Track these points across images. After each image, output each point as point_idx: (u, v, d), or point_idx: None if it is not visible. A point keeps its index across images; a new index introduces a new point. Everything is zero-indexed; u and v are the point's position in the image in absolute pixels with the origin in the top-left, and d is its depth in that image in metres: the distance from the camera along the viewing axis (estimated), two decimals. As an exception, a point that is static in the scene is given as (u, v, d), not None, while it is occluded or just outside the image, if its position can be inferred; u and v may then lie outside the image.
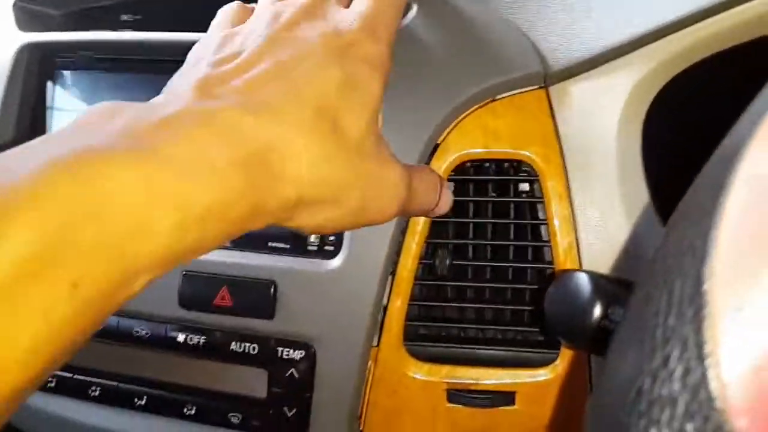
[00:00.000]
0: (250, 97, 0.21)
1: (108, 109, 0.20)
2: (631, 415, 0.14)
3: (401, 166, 0.26)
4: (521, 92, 0.39)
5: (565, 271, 0.34)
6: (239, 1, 0.30)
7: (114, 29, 0.49)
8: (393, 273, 0.41)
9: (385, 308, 0.41)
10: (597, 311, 0.28)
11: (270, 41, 0.24)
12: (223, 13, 0.29)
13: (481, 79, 0.38)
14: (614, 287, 0.29)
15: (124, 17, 0.49)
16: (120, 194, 0.17)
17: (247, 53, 0.23)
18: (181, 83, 0.23)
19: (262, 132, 0.20)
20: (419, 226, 0.39)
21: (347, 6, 0.27)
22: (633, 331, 0.16)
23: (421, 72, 0.39)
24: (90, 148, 0.17)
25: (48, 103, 0.47)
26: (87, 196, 0.16)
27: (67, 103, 0.48)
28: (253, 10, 0.28)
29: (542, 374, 0.39)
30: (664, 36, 0.34)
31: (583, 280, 0.30)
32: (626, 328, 0.16)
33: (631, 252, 0.35)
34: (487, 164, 0.40)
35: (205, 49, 0.25)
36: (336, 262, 0.39)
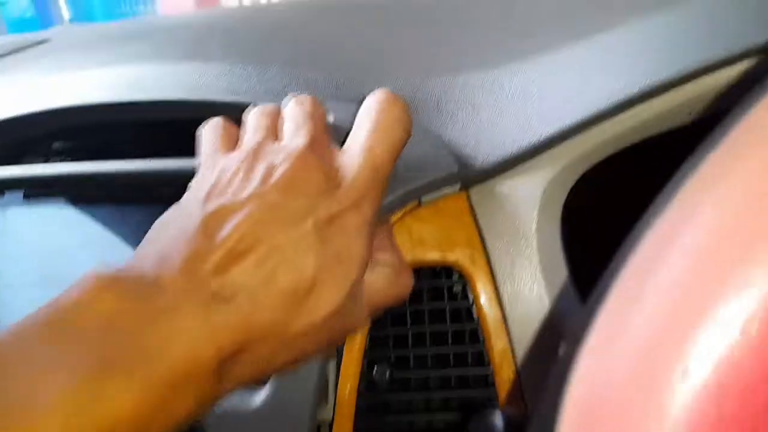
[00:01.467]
0: (233, 285, 0.23)
1: (97, 288, 0.21)
2: None
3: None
4: (443, 196, 0.39)
5: (481, 410, 0.34)
6: (223, 122, 0.32)
7: (47, 159, 0.50)
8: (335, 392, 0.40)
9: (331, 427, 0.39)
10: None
11: (260, 216, 0.24)
12: (212, 137, 0.30)
13: (398, 184, 0.38)
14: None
15: (57, 145, 0.50)
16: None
17: (236, 232, 0.24)
18: (174, 249, 0.24)
19: (239, 324, 0.23)
20: (356, 344, 0.39)
21: (337, 163, 0.28)
22: None
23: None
24: (86, 370, 0.19)
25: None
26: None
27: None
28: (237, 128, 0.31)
29: (498, 482, 0.38)
30: (566, 139, 0.35)
31: (497, 420, 0.29)
32: None
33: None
34: (419, 271, 0.40)
35: (197, 201, 0.26)
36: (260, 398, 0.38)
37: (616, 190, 0.44)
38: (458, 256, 0.38)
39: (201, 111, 0.44)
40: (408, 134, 0.29)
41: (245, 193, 0.25)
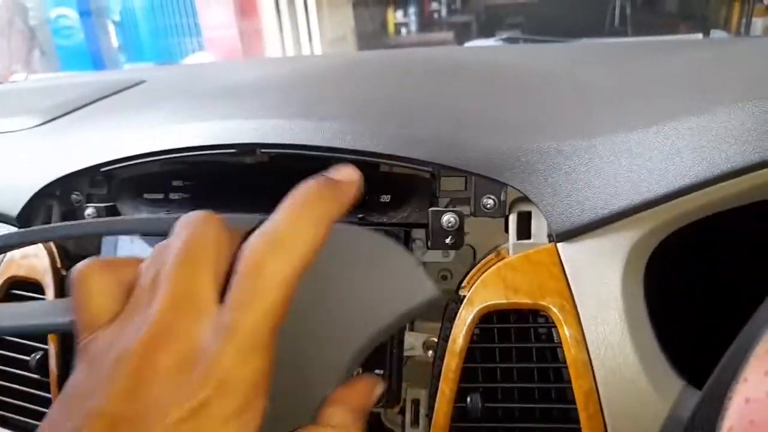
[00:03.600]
0: None
1: None
2: None
3: None
4: (535, 249, 0.44)
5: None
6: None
7: (166, 193, 0.56)
8: (430, 417, 0.45)
9: (425, 450, 0.44)
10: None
11: (132, 387, 0.21)
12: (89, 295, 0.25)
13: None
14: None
15: (175, 183, 0.56)
16: None
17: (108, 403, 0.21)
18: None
19: None
20: (452, 372, 0.44)
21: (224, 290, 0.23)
22: None
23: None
24: None
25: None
26: None
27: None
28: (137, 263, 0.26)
29: None
30: (651, 208, 0.40)
31: None
32: None
33: (646, 398, 0.39)
34: (509, 313, 0.45)
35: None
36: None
37: (697, 253, 0.49)
38: (549, 302, 0.43)
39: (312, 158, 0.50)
40: (330, 216, 0.25)
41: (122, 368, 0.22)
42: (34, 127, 0.68)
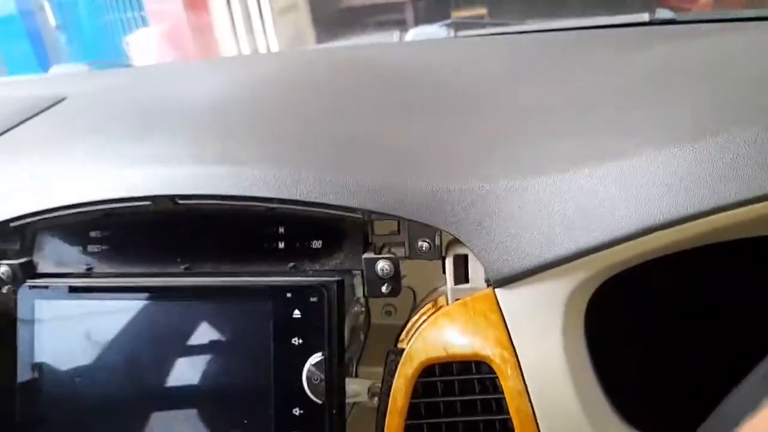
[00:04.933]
0: None
1: None
2: None
3: None
4: (473, 296, 0.42)
5: None
6: None
7: (84, 246, 0.52)
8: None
9: None
10: None
11: None
12: None
13: None
14: None
15: (93, 234, 0.52)
16: None
17: None
18: None
19: None
20: (394, 430, 0.42)
21: None
22: None
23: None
24: None
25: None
26: None
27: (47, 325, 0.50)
28: None
29: None
30: (589, 255, 0.38)
31: None
32: None
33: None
34: (451, 364, 0.43)
35: None
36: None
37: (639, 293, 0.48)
38: (489, 353, 0.42)
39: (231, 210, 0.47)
40: None
41: None
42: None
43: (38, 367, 0.49)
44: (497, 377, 0.42)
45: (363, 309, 0.53)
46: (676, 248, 0.38)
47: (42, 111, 0.76)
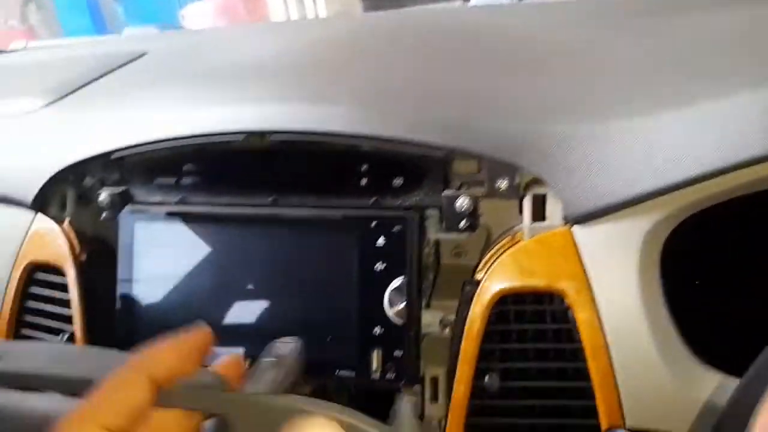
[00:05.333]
0: None
1: None
2: None
3: None
4: (550, 232, 0.45)
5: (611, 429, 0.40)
6: None
7: (178, 178, 0.56)
8: (449, 393, 0.47)
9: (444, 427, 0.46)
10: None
11: None
12: None
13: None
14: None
15: (186, 167, 0.56)
16: None
17: None
18: None
19: None
20: (469, 354, 0.45)
21: None
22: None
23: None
24: None
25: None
26: None
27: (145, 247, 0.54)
28: None
29: (590, 480, 0.44)
30: (669, 193, 0.40)
31: None
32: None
33: (663, 380, 0.40)
34: (525, 295, 0.46)
35: None
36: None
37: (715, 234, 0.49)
38: (564, 285, 0.44)
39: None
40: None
41: None
42: (39, 108, 0.68)
43: (136, 285, 0.54)
44: (569, 309, 0.44)
45: (434, 249, 0.56)
46: (755, 187, 0.39)
47: (126, 63, 0.80)
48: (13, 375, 0.32)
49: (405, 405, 0.31)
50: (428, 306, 0.52)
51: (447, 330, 0.50)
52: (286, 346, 0.33)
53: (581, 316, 0.43)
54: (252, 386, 0.30)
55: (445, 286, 0.55)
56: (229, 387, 0.29)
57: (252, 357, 0.35)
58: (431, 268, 0.56)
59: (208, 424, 0.30)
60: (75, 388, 0.29)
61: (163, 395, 0.28)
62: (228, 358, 0.33)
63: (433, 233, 0.52)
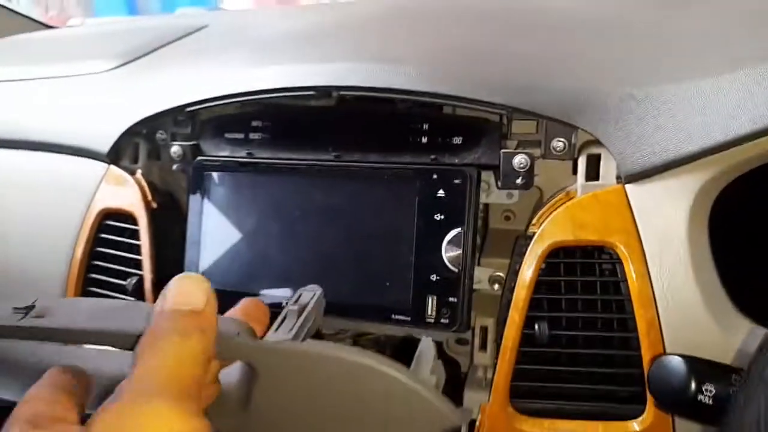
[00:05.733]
0: None
1: None
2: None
3: None
4: (604, 189, 0.47)
5: (663, 355, 0.42)
6: None
7: (246, 133, 0.59)
8: (498, 339, 0.49)
9: (494, 371, 0.49)
10: (693, 388, 0.35)
11: None
12: None
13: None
14: (704, 367, 0.37)
15: (254, 123, 0.59)
16: None
17: None
18: None
19: None
20: (521, 302, 0.47)
21: None
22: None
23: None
24: None
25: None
26: None
27: (214, 196, 0.57)
28: None
29: (631, 426, 0.46)
30: (722, 151, 0.42)
31: (679, 363, 0.37)
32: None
33: (707, 331, 0.42)
34: (575, 249, 0.48)
35: None
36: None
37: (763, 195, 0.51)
38: (615, 239, 0.46)
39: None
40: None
41: None
42: (111, 69, 0.72)
43: (204, 232, 0.57)
44: (619, 263, 0.46)
45: (483, 214, 0.59)
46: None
47: (191, 33, 0.84)
48: (56, 331, 0.32)
49: (426, 346, 0.32)
50: (479, 263, 0.55)
51: (496, 286, 0.53)
52: (309, 294, 0.33)
53: (630, 269, 0.45)
54: (276, 334, 0.30)
55: (494, 247, 0.58)
56: (254, 334, 0.30)
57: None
58: (480, 232, 0.59)
59: (231, 370, 0.32)
60: (117, 342, 0.29)
61: None
62: (249, 302, 0.33)
63: (484, 197, 0.54)
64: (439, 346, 0.60)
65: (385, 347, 0.67)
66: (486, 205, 0.59)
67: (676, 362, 0.38)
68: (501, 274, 0.53)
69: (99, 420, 0.23)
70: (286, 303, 0.32)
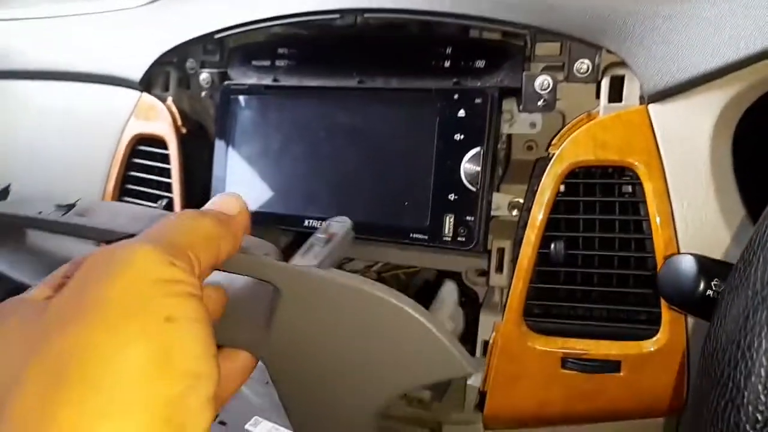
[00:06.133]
0: None
1: None
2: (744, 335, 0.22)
3: None
4: (626, 110, 0.46)
5: (674, 255, 0.42)
6: None
7: (272, 60, 0.60)
8: (515, 260, 0.50)
9: (508, 290, 0.49)
10: (702, 284, 0.35)
11: None
12: None
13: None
14: (714, 265, 0.37)
15: (280, 50, 0.60)
16: None
17: None
18: None
19: None
20: (538, 221, 0.48)
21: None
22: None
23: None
24: None
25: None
26: None
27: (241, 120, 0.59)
28: None
29: (646, 346, 0.46)
30: (749, 65, 0.41)
31: (689, 261, 0.37)
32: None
33: (725, 245, 0.42)
34: (594, 169, 0.48)
35: None
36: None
37: None
38: (636, 159, 0.46)
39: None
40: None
41: None
42: (144, 5, 0.73)
43: (231, 155, 0.59)
44: (639, 183, 0.46)
45: (505, 145, 0.59)
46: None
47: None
48: (95, 229, 0.34)
49: (448, 291, 0.32)
50: (498, 189, 0.55)
51: (515, 212, 0.53)
52: (338, 225, 0.33)
53: (651, 188, 0.45)
54: (302, 259, 0.30)
55: (515, 175, 0.58)
56: (282, 257, 0.31)
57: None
58: (501, 163, 0.59)
59: (250, 287, 0.33)
60: None
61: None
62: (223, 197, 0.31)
63: (507, 128, 0.54)
64: (458, 278, 0.61)
65: (407, 288, 0.68)
66: (509, 136, 0.59)
67: (686, 260, 0.38)
68: (520, 199, 0.53)
69: (88, 257, 0.23)
70: (316, 233, 0.32)
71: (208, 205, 0.30)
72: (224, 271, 0.29)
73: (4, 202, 0.70)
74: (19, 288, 0.37)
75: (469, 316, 0.57)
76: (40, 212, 0.34)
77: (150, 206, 0.64)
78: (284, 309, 0.30)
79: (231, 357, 0.32)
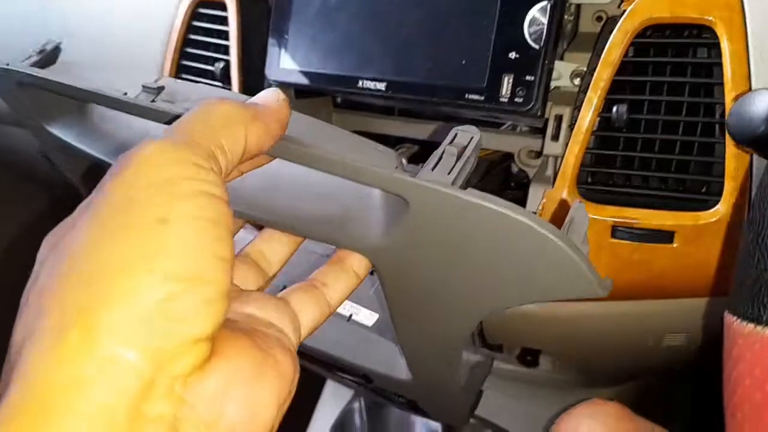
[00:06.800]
0: None
1: None
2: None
3: None
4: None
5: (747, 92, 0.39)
6: None
7: None
8: (572, 125, 0.48)
9: (563, 156, 0.48)
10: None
11: None
12: None
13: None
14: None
15: None
16: None
17: None
18: None
19: None
20: (602, 82, 0.46)
21: None
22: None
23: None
24: None
25: None
26: None
27: None
28: None
29: (703, 217, 0.45)
30: None
31: (764, 97, 0.35)
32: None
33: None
34: (669, 28, 0.45)
35: None
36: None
37: None
38: (716, 15, 0.43)
39: None
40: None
41: None
42: None
43: (287, 18, 0.58)
44: (715, 45, 0.43)
45: (573, 17, 0.56)
46: None
47: None
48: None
49: (580, 215, 0.29)
50: (561, 58, 0.53)
51: (577, 80, 0.51)
52: (466, 135, 0.30)
53: (729, 49, 0.42)
54: (433, 173, 0.28)
55: (581, 46, 0.55)
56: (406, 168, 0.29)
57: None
58: (568, 37, 0.56)
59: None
60: None
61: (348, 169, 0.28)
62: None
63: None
64: (509, 160, 0.60)
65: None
66: (578, 6, 0.56)
67: (761, 95, 0.36)
68: (584, 68, 0.51)
69: (119, 157, 0.23)
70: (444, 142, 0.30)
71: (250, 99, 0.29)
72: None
73: (73, 76, 0.72)
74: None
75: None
76: (125, 93, 0.34)
77: (203, 83, 0.65)
78: (410, 222, 0.29)
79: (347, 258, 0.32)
